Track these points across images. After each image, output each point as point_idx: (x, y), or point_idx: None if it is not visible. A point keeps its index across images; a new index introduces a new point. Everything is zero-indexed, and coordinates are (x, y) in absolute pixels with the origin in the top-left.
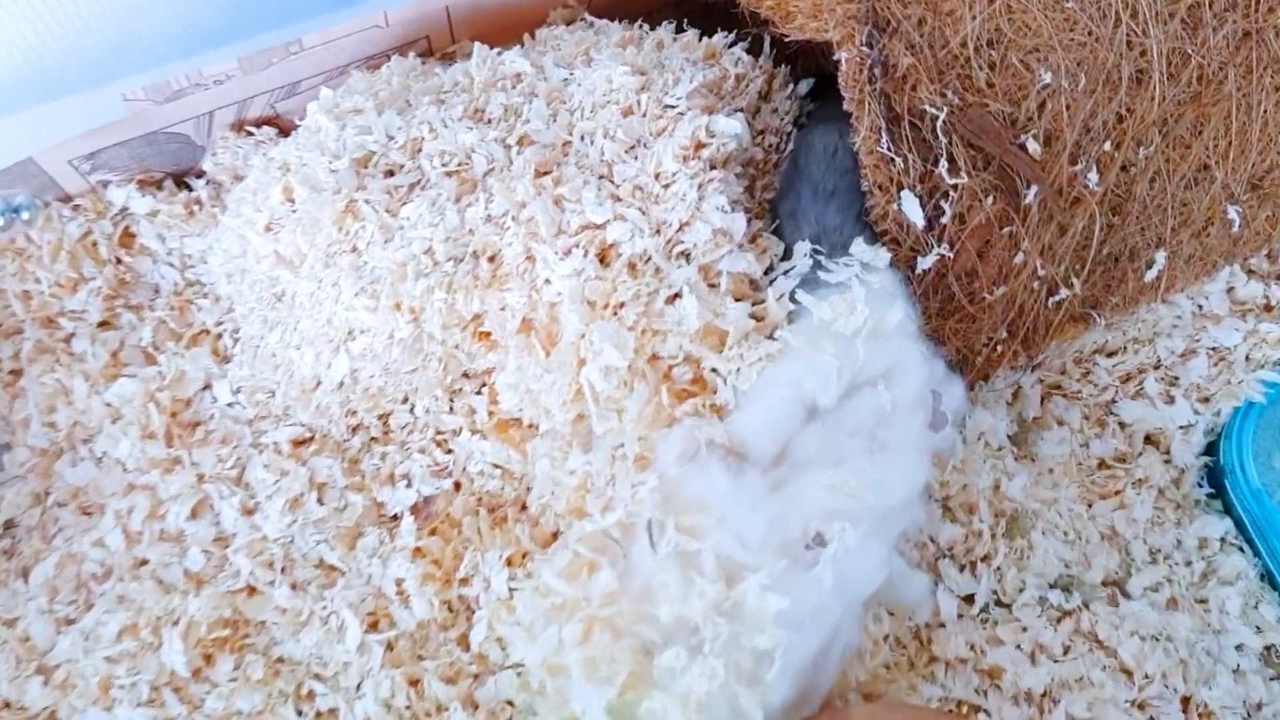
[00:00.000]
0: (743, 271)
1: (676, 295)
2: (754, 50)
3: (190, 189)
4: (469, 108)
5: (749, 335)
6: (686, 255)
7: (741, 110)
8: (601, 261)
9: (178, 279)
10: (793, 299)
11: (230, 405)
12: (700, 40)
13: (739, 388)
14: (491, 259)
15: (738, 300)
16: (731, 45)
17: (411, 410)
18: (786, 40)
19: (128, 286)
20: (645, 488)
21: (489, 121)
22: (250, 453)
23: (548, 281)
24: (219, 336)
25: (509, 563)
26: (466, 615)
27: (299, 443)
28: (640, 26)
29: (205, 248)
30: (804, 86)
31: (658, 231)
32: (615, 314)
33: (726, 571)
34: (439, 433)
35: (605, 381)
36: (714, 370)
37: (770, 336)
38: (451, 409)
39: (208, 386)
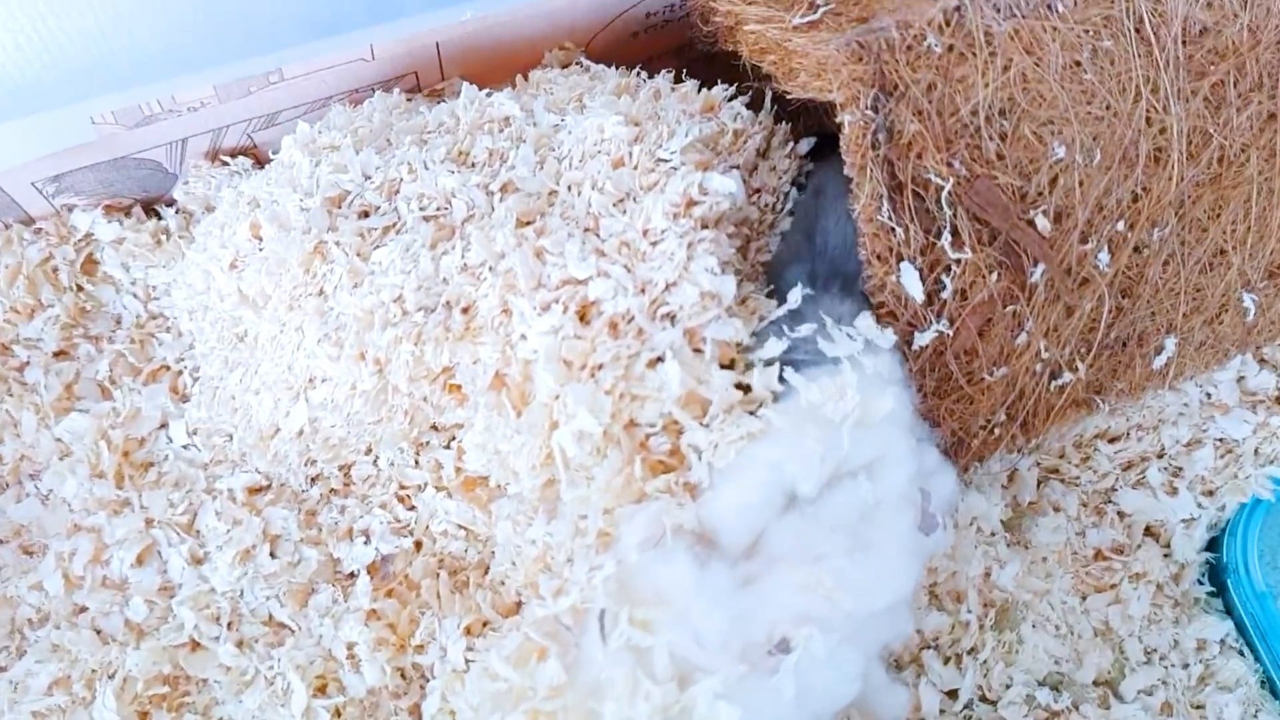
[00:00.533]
0: (730, 338)
1: (659, 359)
2: (754, 105)
3: (160, 218)
4: (453, 150)
5: (733, 408)
6: (672, 318)
7: (738, 168)
8: (581, 319)
9: (140, 311)
10: (780, 377)
11: (185, 447)
12: (699, 92)
13: (715, 465)
14: (465, 310)
15: (724, 368)
16: (731, 99)
17: (375, 462)
18: (788, 96)
19: (87, 315)
20: (601, 573)
21: (473, 165)
22: (203, 499)
23: (523, 337)
24: (179, 374)
25: (468, 631)
26: (420, 684)
27: (255, 490)
28: (637, 74)
29: (170, 280)
30: (804, 145)
31: (642, 291)
32: (593, 376)
33: (680, 673)
34: (402, 487)
35: (578, 447)
36: (692, 446)
37: (753, 413)
38: (417, 463)
39: (164, 426)
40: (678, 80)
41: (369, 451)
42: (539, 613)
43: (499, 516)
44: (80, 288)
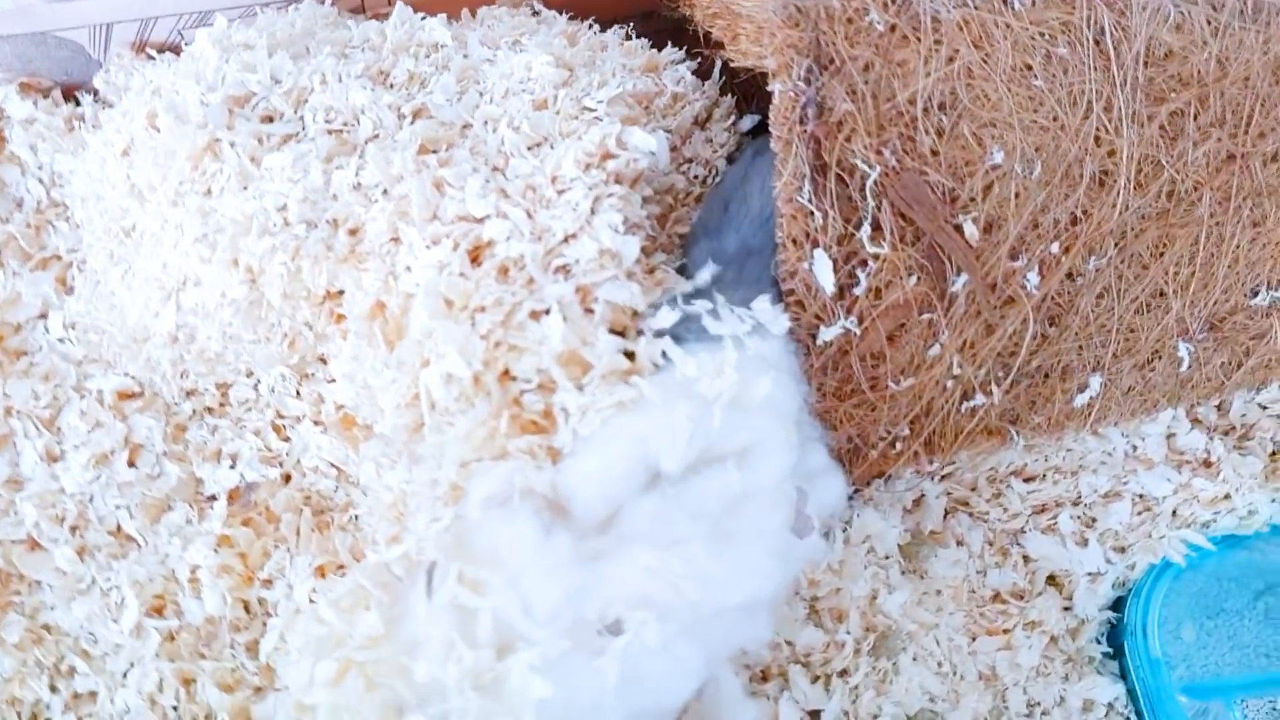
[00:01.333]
0: (624, 302)
1: (545, 312)
2: (704, 74)
3: (78, 104)
4: (372, 68)
5: (611, 374)
6: (566, 271)
7: (669, 132)
8: (472, 260)
9: (43, 196)
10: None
11: (61, 341)
12: (645, 50)
13: (580, 432)
14: (353, 232)
15: (613, 333)
16: (678, 64)
17: (255, 386)
18: (739, 69)
19: None
20: (438, 525)
21: (390, 86)
22: (70, 395)
23: (408, 268)
24: (69, 265)
25: (320, 572)
26: (264, 620)
27: (125, 395)
28: (590, 26)
29: (73, 168)
30: (747, 122)
31: (539, 239)
32: (472, 318)
33: (501, 640)
34: (280, 416)
35: (444, 390)
36: (563, 408)
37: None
38: (299, 394)
39: (44, 316)
40: (629, 39)
41: (250, 375)
42: (372, 559)
43: (364, 457)
44: None
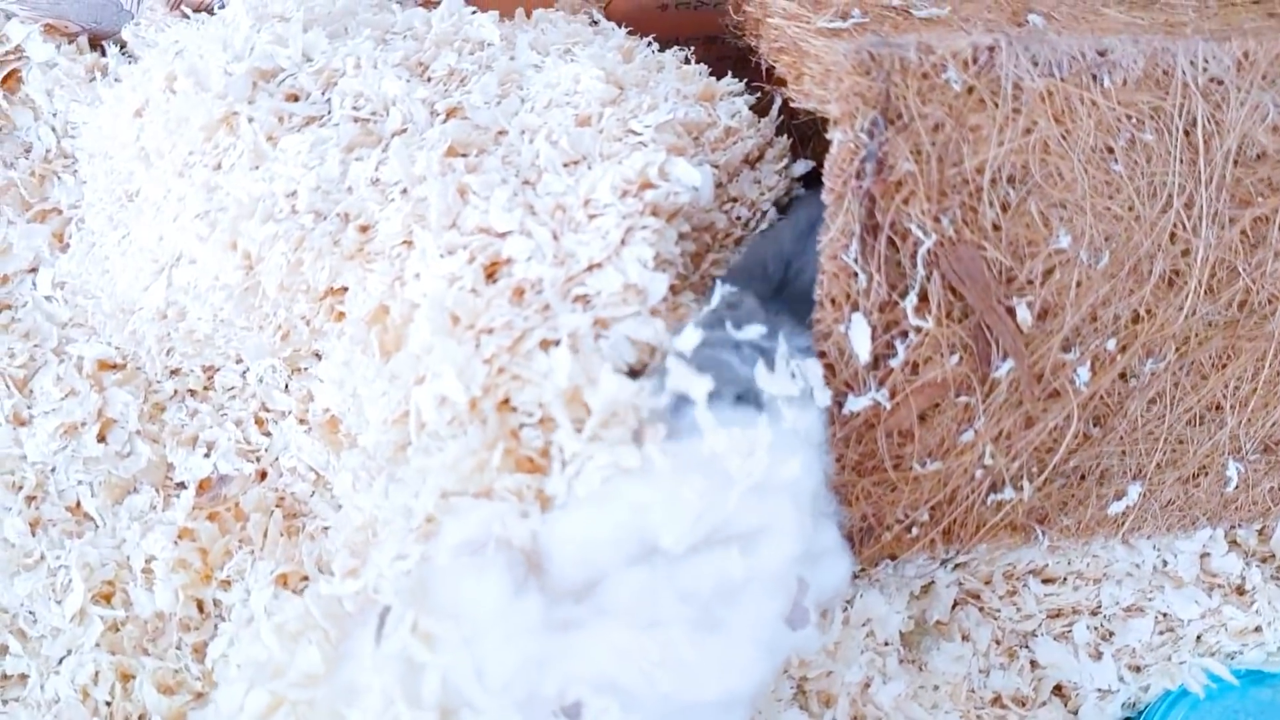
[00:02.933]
0: (647, 340)
1: (555, 342)
2: (761, 110)
3: (103, 54)
4: (411, 58)
5: (615, 417)
6: (586, 301)
7: (716, 167)
8: (488, 276)
9: (53, 145)
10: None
11: (48, 299)
12: (703, 77)
13: (575, 488)
14: (364, 229)
15: (633, 375)
16: (736, 95)
17: (243, 374)
18: (799, 110)
19: None
20: (402, 564)
21: (428, 80)
22: (48, 358)
23: (417, 276)
24: (69, 221)
25: (281, 581)
26: (216, 623)
27: (106, 366)
28: (648, 44)
29: (86, 120)
30: (800, 167)
31: (562, 263)
32: (477, 339)
33: (447, 704)
34: (265, 409)
35: (436, 412)
36: (560, 450)
37: (638, 442)
38: (287, 388)
39: (34, 270)
40: (688, 63)
41: (240, 362)
42: (324, 589)
43: (343, 467)
44: None
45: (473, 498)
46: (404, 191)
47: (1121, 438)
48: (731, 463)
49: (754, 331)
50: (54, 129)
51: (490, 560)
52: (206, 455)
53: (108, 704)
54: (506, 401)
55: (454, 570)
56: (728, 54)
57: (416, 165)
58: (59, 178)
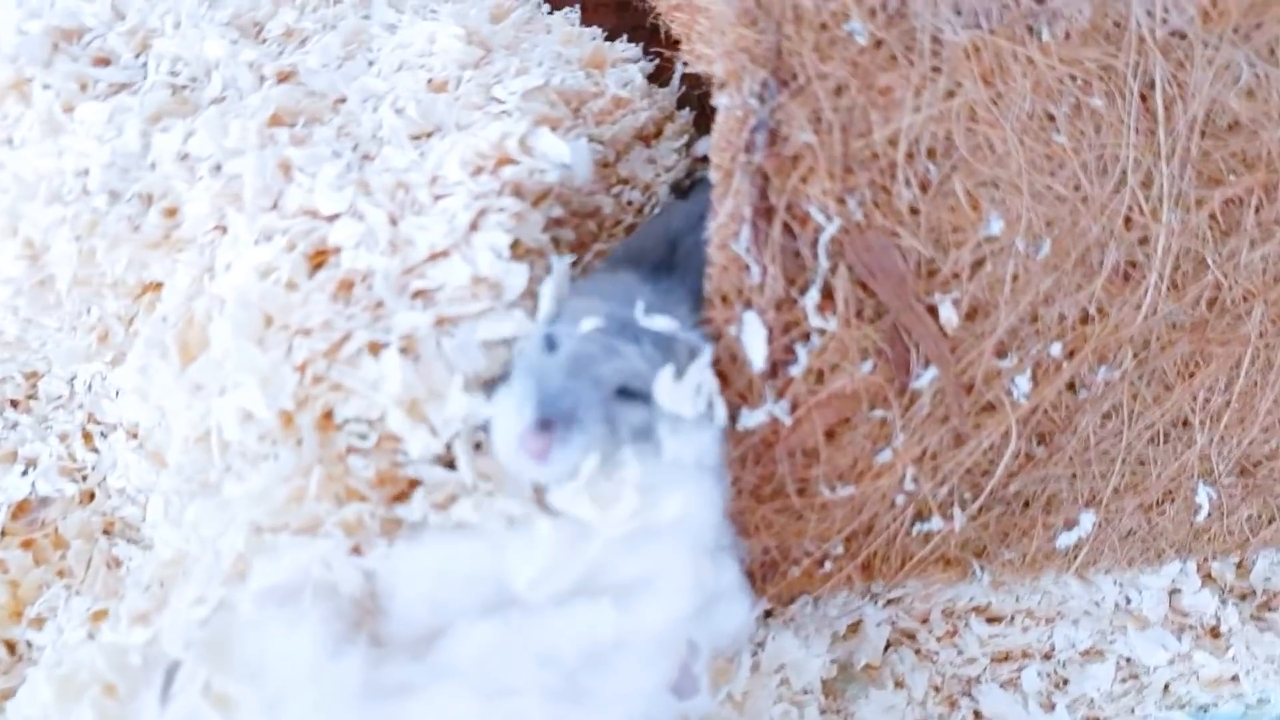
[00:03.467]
0: (504, 335)
1: (383, 345)
2: (661, 81)
3: None
4: (244, 16)
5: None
6: (426, 296)
7: (600, 143)
8: (313, 265)
9: None
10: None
11: None
12: (592, 40)
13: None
14: (170, 213)
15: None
16: (632, 62)
17: (70, 381)
18: (706, 80)
19: None
20: (197, 611)
21: (262, 41)
22: None
23: (228, 267)
24: None
25: (97, 619)
26: (28, 667)
27: None
28: (538, 4)
29: None
30: (704, 145)
31: (398, 251)
32: (290, 342)
33: None
34: (93, 421)
35: (240, 430)
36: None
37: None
38: (119, 395)
39: None
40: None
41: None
42: (108, 636)
43: (156, 489)
44: None
45: (292, 534)
46: (216, 168)
47: (1071, 458)
48: (590, 512)
49: (663, 323)
50: None
51: (304, 611)
52: (25, 473)
53: None
54: (328, 416)
55: (260, 621)
56: (639, 25)
57: (231, 136)
58: None
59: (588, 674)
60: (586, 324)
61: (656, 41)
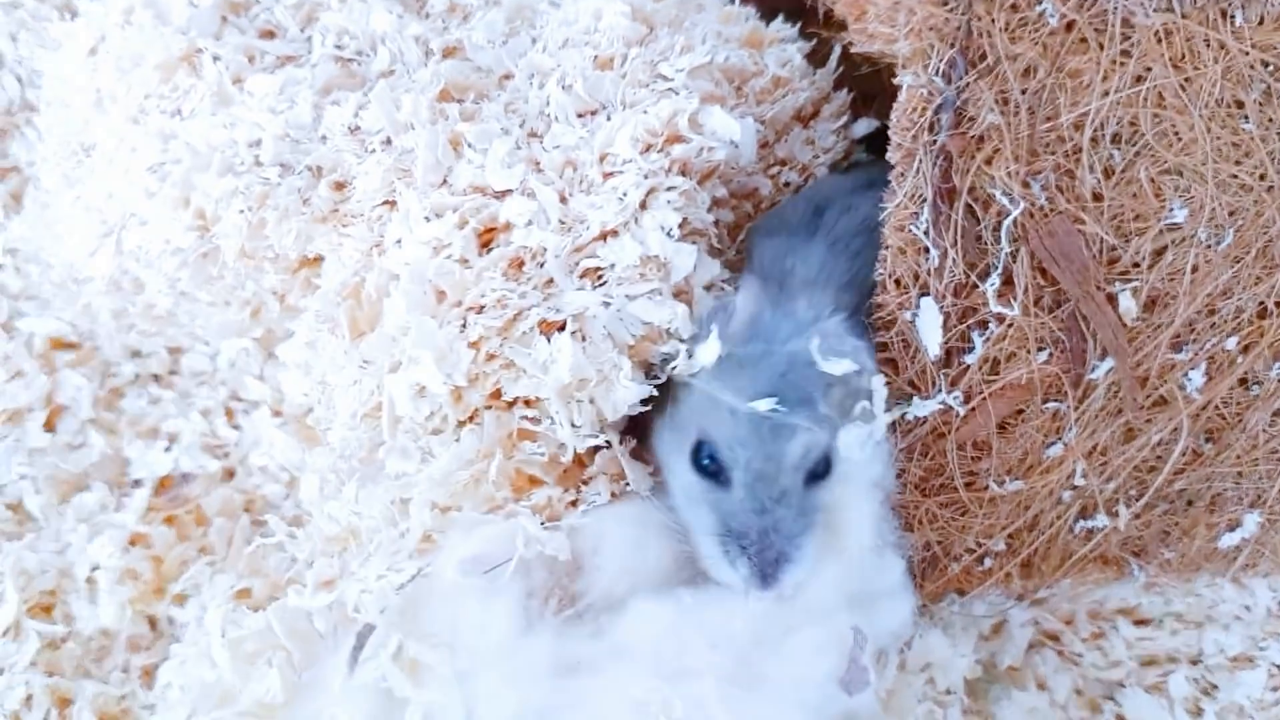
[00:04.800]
0: (660, 323)
1: (560, 327)
2: (818, 61)
3: None
4: None
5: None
6: (596, 275)
7: (761, 123)
8: (481, 244)
9: (17, 96)
10: None
11: None
12: (749, 20)
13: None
14: (338, 186)
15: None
16: (789, 42)
17: (213, 358)
18: (861, 60)
19: None
20: (393, 578)
21: (425, 15)
22: None
23: (399, 243)
24: (29, 180)
25: (243, 597)
26: (170, 643)
27: (60, 345)
28: None
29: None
30: (862, 126)
31: (570, 230)
32: (464, 318)
33: None
34: (236, 398)
35: (413, 405)
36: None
37: None
38: (261, 375)
39: None
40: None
41: (209, 343)
42: (293, 600)
43: (309, 469)
44: None
45: (479, 513)
46: (387, 142)
47: (1239, 457)
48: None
49: (844, 367)
50: (19, 78)
51: (504, 586)
52: (168, 449)
53: None
54: (497, 394)
55: (458, 591)
56: (796, 3)
57: (402, 111)
58: (21, 132)
59: (761, 657)
60: (762, 405)
61: (811, 22)
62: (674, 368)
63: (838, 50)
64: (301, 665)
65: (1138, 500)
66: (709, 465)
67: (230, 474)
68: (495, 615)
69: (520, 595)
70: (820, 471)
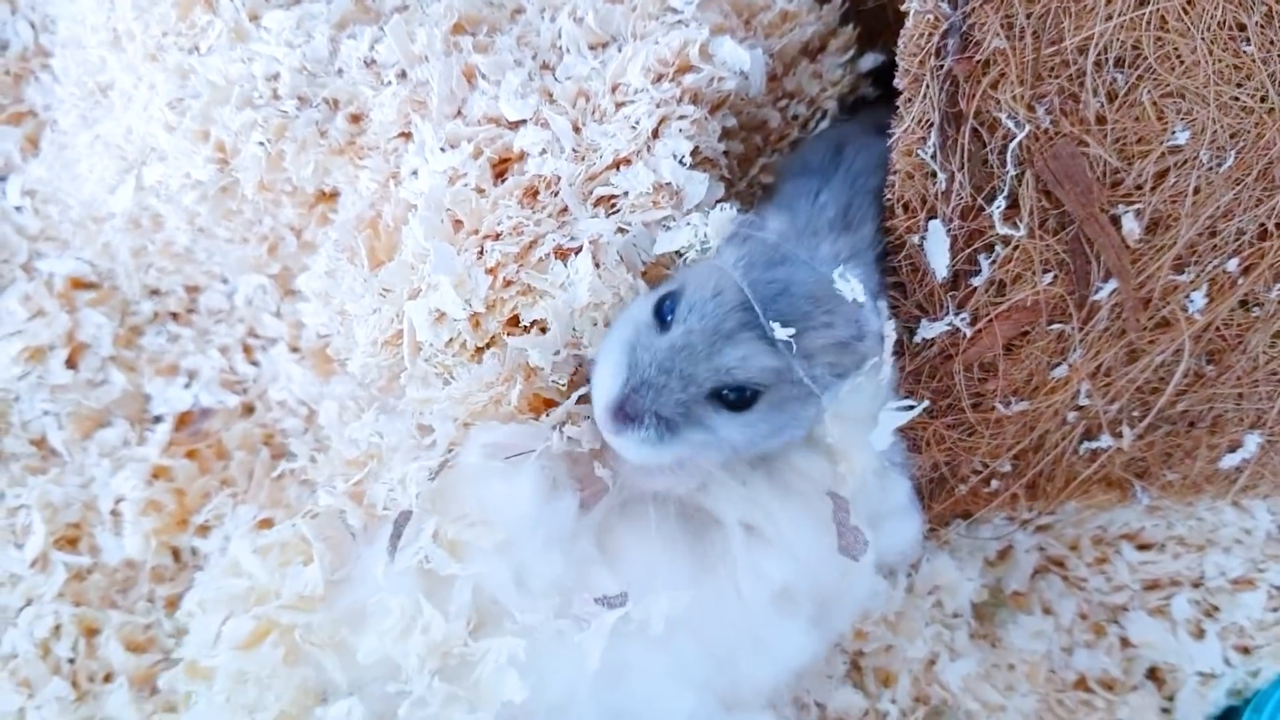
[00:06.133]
0: (669, 248)
1: (576, 250)
2: None
3: None
4: None
5: None
6: (610, 203)
7: (770, 55)
8: (495, 174)
9: (30, 41)
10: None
11: (18, 209)
12: None
13: None
14: (355, 119)
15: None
16: None
17: (230, 296)
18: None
19: None
20: (416, 466)
21: None
22: (16, 274)
23: (414, 173)
24: (45, 124)
25: (263, 527)
26: (193, 574)
27: (79, 284)
28: None
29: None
30: (869, 60)
31: (583, 158)
32: (481, 245)
33: (480, 615)
34: (253, 334)
35: (432, 331)
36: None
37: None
38: (279, 312)
39: (2, 178)
40: None
41: (226, 281)
42: (324, 501)
43: (327, 395)
44: None
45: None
46: (402, 74)
47: (1239, 378)
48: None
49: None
50: (32, 24)
51: (521, 464)
52: (187, 386)
53: (70, 661)
54: (515, 319)
55: (481, 473)
56: None
57: (417, 43)
58: (36, 77)
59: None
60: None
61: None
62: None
63: None
64: (334, 565)
65: (1141, 421)
66: (664, 309)
67: (249, 409)
68: (520, 490)
69: (540, 471)
70: (736, 399)
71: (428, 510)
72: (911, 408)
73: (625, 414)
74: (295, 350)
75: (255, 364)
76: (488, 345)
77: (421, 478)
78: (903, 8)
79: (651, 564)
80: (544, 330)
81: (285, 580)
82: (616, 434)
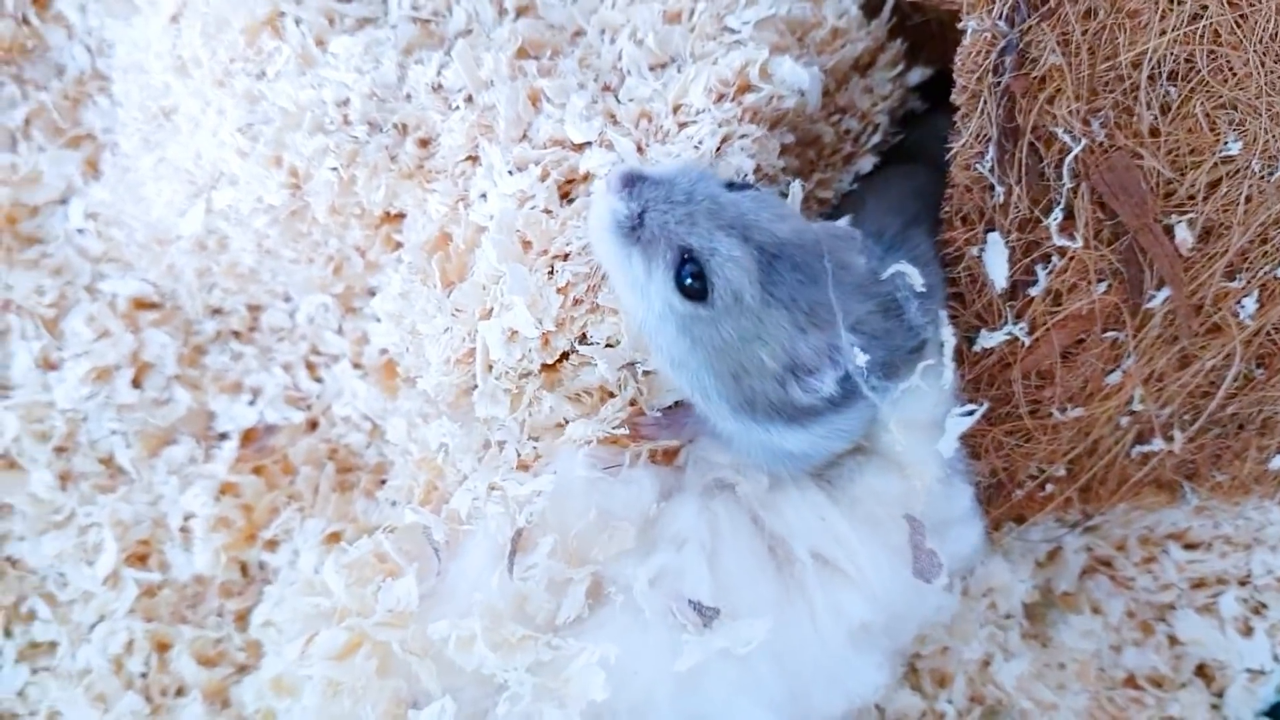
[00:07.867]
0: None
1: None
2: (871, 12)
3: None
4: None
5: None
6: None
7: (824, 72)
8: (562, 195)
9: (87, 65)
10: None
11: (80, 231)
12: None
13: None
14: (424, 143)
15: None
16: None
17: (292, 314)
18: (915, 12)
19: (28, 56)
20: (530, 486)
21: None
22: (80, 296)
23: (483, 196)
24: (103, 147)
25: (332, 540)
26: (261, 588)
27: (142, 305)
28: None
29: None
30: (916, 75)
31: None
32: (551, 266)
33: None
34: (315, 352)
35: (505, 350)
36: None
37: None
38: (341, 329)
39: (64, 202)
40: None
41: (288, 299)
42: (409, 518)
43: (394, 412)
44: (27, 20)
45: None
46: (469, 99)
47: None
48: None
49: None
50: (89, 48)
51: (632, 469)
52: (251, 403)
53: (143, 675)
54: (583, 338)
55: (591, 484)
56: None
57: (483, 68)
58: (94, 101)
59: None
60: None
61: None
62: None
63: (891, 1)
64: (426, 574)
65: (1192, 424)
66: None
67: (314, 425)
68: (644, 489)
69: (653, 475)
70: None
71: (550, 525)
72: (972, 413)
73: (631, 194)
74: (358, 366)
75: (319, 380)
76: (557, 362)
77: (526, 496)
78: (960, 25)
79: (743, 582)
80: (611, 346)
81: (369, 596)
82: (611, 192)
